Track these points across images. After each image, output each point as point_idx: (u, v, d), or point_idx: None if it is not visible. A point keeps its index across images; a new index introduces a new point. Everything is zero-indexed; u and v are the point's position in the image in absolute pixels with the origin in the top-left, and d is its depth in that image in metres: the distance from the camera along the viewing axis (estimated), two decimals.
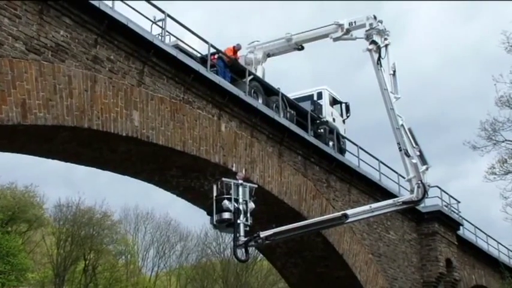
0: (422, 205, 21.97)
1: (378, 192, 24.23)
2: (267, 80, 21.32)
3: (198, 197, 19.34)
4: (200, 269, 54.03)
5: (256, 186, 15.76)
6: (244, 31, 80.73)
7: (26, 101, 12.63)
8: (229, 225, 15.28)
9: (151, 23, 16.83)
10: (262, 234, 15.84)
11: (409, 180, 18.71)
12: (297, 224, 16.79)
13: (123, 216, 53.30)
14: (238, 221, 14.99)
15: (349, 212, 17.73)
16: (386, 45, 19.24)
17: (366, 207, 18.27)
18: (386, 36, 19.54)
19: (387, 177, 25.51)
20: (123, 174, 18.77)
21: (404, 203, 18.71)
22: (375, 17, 19.68)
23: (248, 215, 15.26)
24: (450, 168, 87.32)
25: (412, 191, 18.52)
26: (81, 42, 13.93)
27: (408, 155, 18.58)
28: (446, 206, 28.48)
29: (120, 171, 18.41)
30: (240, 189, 15.23)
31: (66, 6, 13.56)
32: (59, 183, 64.55)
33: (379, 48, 19.34)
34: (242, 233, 14.98)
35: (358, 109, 57.18)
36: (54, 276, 46.05)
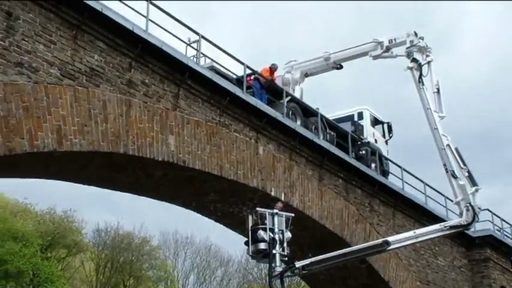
0: (472, 229, 20.99)
1: (424, 216, 23.34)
2: (306, 100, 20.83)
3: (237, 222, 18.87)
4: None
5: (292, 215, 15.32)
6: (284, 45, 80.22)
7: (61, 127, 12.49)
8: (265, 256, 14.96)
9: (185, 45, 16.58)
10: (298, 264, 15.36)
11: (458, 203, 17.92)
12: (335, 252, 16.14)
13: (162, 241, 53.12)
14: (274, 251, 14.70)
15: (390, 238, 16.99)
16: (428, 62, 18.60)
17: (410, 233, 17.50)
18: (428, 53, 18.92)
19: (434, 200, 24.64)
20: (159, 200, 18.48)
21: (452, 227, 17.86)
22: (415, 34, 19.10)
23: (285, 244, 14.90)
24: (508, 187, 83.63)
25: (461, 215, 17.75)
26: (115, 66, 13.76)
27: (455, 177, 17.82)
28: (499, 230, 27.26)
29: (157, 197, 18.14)
30: (276, 218, 14.92)
31: (99, 31, 13.45)
32: (98, 207, 64.89)
33: (420, 66, 18.72)
34: (278, 263, 14.65)
35: (402, 127, 55.86)
36: None
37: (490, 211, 26.90)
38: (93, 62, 13.26)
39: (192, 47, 16.64)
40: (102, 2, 13.36)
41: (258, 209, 15.38)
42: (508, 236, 27.94)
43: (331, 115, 22.12)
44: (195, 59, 16.31)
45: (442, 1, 73.95)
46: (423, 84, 18.42)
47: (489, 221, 26.73)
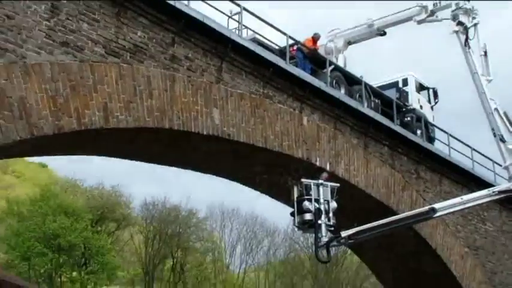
0: None
1: (471, 181, 22.97)
2: (349, 68, 20.60)
3: (283, 193, 18.83)
4: (289, 265, 53.77)
5: (338, 185, 15.30)
6: (329, 14, 79.24)
7: (108, 104, 12.63)
8: (311, 226, 15.02)
9: (227, 17, 16.52)
10: (344, 233, 15.35)
11: (506, 168, 17.70)
12: (381, 221, 16.04)
13: (209, 213, 53.88)
14: (320, 222, 14.72)
15: (437, 205, 16.74)
16: (475, 25, 18.14)
17: (457, 200, 17.25)
18: (474, 16, 18.45)
19: (481, 165, 24.20)
20: (206, 173, 18.67)
21: (500, 192, 17.53)
22: None
23: (331, 214, 14.93)
24: None
25: (510, 179, 17.48)
26: (158, 42, 13.81)
27: (504, 141, 17.53)
28: None
29: (203, 170, 18.32)
30: (321, 189, 14.94)
31: (142, 7, 13.48)
32: (145, 181, 66.09)
33: (466, 29, 18.28)
34: (324, 233, 14.69)
35: (448, 92, 54.77)
36: (143, 274, 47.10)
37: None
38: (137, 38, 13.33)
39: (234, 19, 16.57)
40: None
41: (303, 179, 15.42)
42: None
43: (375, 82, 21.84)
44: (237, 31, 16.26)
45: None
46: (470, 48, 18.04)
47: None
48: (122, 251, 48.37)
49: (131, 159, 17.11)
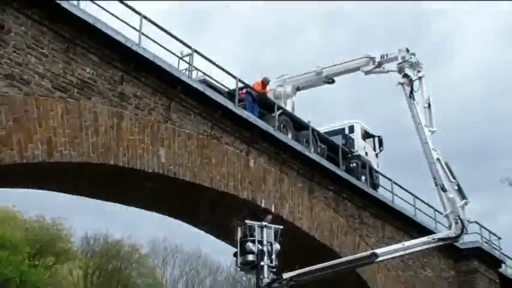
0: (460, 241, 21.08)
1: (413, 228, 23.41)
2: (297, 113, 20.88)
3: (227, 233, 18.74)
4: None
5: (281, 227, 15.43)
6: (277, 59, 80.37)
7: (52, 138, 12.47)
8: (254, 267, 15.10)
9: (178, 58, 16.61)
10: (286, 275, 15.48)
11: (447, 216, 18.11)
12: (323, 264, 16.24)
13: (151, 248, 52.92)
14: (262, 263, 14.86)
15: (379, 251, 17.11)
16: (420, 78, 18.74)
17: (399, 245, 17.65)
18: (419, 69, 19.06)
19: (423, 212, 24.69)
20: (149, 210, 18.48)
21: (440, 239, 18.02)
22: (407, 50, 19.21)
23: (273, 256, 15.05)
24: (499, 200, 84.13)
25: (450, 227, 17.88)
26: (107, 79, 13.77)
27: (445, 190, 17.98)
28: (487, 243, 27.38)
29: (147, 208, 18.14)
30: (265, 231, 15.10)
31: (92, 44, 13.47)
32: (88, 214, 64.51)
33: (411, 82, 18.87)
34: (266, 274, 14.80)
35: (393, 140, 56.02)
36: None
37: (479, 223, 27.05)
38: (85, 74, 13.25)
39: (185, 61, 16.65)
40: (95, 16, 13.38)
41: (247, 221, 15.52)
42: (495, 248, 28.08)
43: (322, 128, 22.16)
44: (187, 73, 16.35)
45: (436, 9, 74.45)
46: (414, 99, 18.57)
47: (477, 233, 26.84)
48: (60, 286, 46.83)
49: (74, 194, 16.81)
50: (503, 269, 28.62)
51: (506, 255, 29.39)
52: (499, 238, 28.71)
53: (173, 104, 15.30)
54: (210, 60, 16.67)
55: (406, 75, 18.66)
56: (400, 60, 19.21)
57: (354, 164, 21.89)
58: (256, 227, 15.38)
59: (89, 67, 13.35)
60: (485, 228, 27.90)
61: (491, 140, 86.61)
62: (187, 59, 16.51)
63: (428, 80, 19.00)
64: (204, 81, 16.90)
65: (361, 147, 23.10)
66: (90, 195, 16.80)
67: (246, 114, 17.32)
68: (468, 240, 24.94)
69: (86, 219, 65.14)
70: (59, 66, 12.74)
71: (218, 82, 17.82)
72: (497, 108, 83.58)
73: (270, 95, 20.31)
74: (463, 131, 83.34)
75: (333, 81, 22.07)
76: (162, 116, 14.99)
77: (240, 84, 17.85)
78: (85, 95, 13.19)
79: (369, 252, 17.37)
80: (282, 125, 19.06)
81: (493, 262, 27.03)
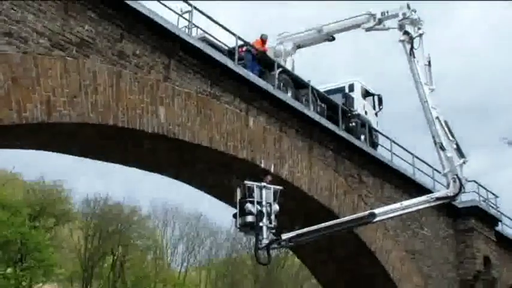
0: (458, 200, 21.20)
1: (412, 187, 23.51)
2: (297, 72, 20.78)
3: (226, 194, 18.88)
4: (230, 265, 53.75)
5: (281, 188, 15.49)
6: (278, 16, 79.22)
7: (51, 98, 12.35)
8: (253, 228, 15.21)
9: (177, 16, 16.40)
10: (285, 236, 15.62)
11: (445, 175, 18.25)
12: (321, 224, 16.35)
13: (151, 210, 53.28)
14: (261, 224, 15.01)
15: (377, 210, 17.22)
16: (420, 35, 18.63)
17: (397, 205, 17.76)
18: (419, 26, 18.94)
19: (422, 171, 24.77)
20: (149, 171, 18.48)
21: (438, 199, 18.15)
22: (408, 7, 19.04)
23: (272, 217, 15.17)
24: (498, 159, 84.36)
25: (448, 186, 18.00)
26: (106, 37, 13.59)
27: (443, 149, 18.05)
28: (484, 201, 27.58)
29: (146, 168, 18.13)
30: (264, 191, 15.17)
31: (91, 0, 13.22)
32: (89, 176, 64.86)
33: (411, 39, 18.76)
34: (265, 235, 14.94)
35: (393, 98, 55.84)
36: (82, 271, 46.17)
37: (477, 182, 27.19)
38: (84, 32, 13.07)
39: (184, 18, 16.47)
40: None
41: (246, 182, 15.59)
42: (492, 207, 28.29)
43: (322, 87, 22.09)
44: (186, 30, 16.17)
45: None
46: (414, 57, 18.49)
47: (475, 192, 26.99)
48: (61, 247, 47.25)
49: (73, 155, 16.76)
50: (499, 227, 28.92)
51: (503, 214, 29.67)
52: (496, 197, 28.90)
53: (172, 62, 15.16)
54: (209, 17, 16.45)
55: (406, 33, 18.55)
56: (400, 17, 19.07)
57: (354, 123, 21.88)
58: (255, 188, 15.46)
59: (88, 24, 13.16)
60: (483, 187, 28.05)
61: (492, 98, 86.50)
62: (186, 16, 16.33)
63: (429, 36, 18.90)
64: (203, 39, 16.76)
65: (361, 106, 23.05)
66: (89, 155, 16.78)
67: (245, 72, 17.19)
68: (466, 199, 25.14)
69: (87, 182, 65.64)
70: (57, 24, 12.55)
71: (218, 40, 17.67)
72: (498, 63, 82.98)
73: (269, 53, 20.18)
74: (463, 89, 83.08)
75: (334, 39, 21.92)
76: (161, 74, 14.86)
77: (240, 42, 17.68)
78: (84, 53, 13.03)
79: (367, 212, 17.48)
80: (281, 84, 18.96)
81: (490, 221, 27.23)
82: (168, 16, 15.34)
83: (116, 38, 13.78)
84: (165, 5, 15.46)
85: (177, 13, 16.32)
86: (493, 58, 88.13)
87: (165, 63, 14.96)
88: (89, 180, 65.99)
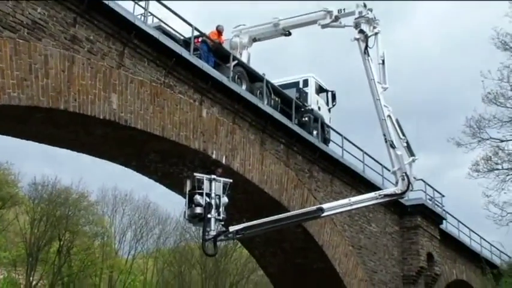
0: (405, 198, 21.70)
1: (361, 184, 23.91)
2: (253, 65, 20.79)
3: (177, 183, 18.87)
4: (178, 254, 53.54)
5: (230, 181, 15.61)
6: (235, 9, 79.06)
7: (0, 80, 12.02)
8: (201, 220, 15.29)
9: (133, 2, 16.18)
10: (232, 228, 15.77)
11: (394, 173, 18.59)
12: (270, 218, 16.53)
13: (100, 196, 52.48)
14: (209, 216, 15.09)
15: (325, 206, 17.50)
16: (376, 34, 18.90)
17: (345, 201, 18.07)
18: (375, 25, 19.21)
19: (371, 168, 25.21)
20: (99, 158, 18.27)
21: (386, 196, 18.55)
22: (364, 5, 19.29)
23: (221, 209, 15.27)
24: (449, 157, 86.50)
25: (396, 184, 18.36)
26: (59, 20, 13.30)
27: (394, 147, 18.39)
28: (430, 200, 28.31)
29: (97, 155, 17.92)
30: (214, 184, 15.26)
31: None
32: (37, 160, 63.47)
33: (366, 37, 19.02)
34: (213, 227, 15.05)
35: (348, 94, 56.59)
36: (27, 255, 45.24)
37: (424, 181, 27.87)
38: (36, 14, 12.76)
39: (140, 6, 16.27)
40: None
41: (195, 174, 15.62)
42: (438, 205, 29.06)
43: (277, 81, 22.18)
44: (142, 18, 15.98)
45: None
46: (368, 55, 18.77)
47: (422, 190, 27.70)
48: (6, 231, 46.18)
49: (22, 139, 16.43)
50: (443, 225, 29.78)
51: (447, 212, 30.55)
52: (443, 196, 29.73)
53: (127, 50, 14.97)
54: (166, 6, 16.30)
55: (361, 31, 18.79)
56: (357, 15, 19.29)
57: (306, 118, 22.09)
58: (205, 180, 15.53)
59: (40, 7, 12.85)
60: (430, 186, 28.82)
61: (444, 99, 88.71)
62: (143, 4, 16.14)
63: (384, 37, 19.19)
64: (159, 28, 16.59)
65: (315, 101, 23.25)
66: (39, 140, 16.47)
67: (200, 63, 17.13)
68: (413, 197, 25.75)
69: (35, 165, 64.21)
70: (9, 5, 12.21)
71: (174, 30, 17.52)
72: (452, 66, 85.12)
73: (225, 45, 20.14)
74: (416, 90, 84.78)
75: (290, 34, 22.01)
76: (115, 61, 14.65)
77: (196, 33, 17.60)
78: (35, 36, 12.74)
79: (315, 207, 17.74)
80: (236, 76, 18.97)
81: (435, 219, 28.02)
82: (124, 3, 15.14)
83: (69, 23, 13.52)
84: None
85: (133, 0, 16.10)
86: (445, 61, 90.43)
87: (119, 50, 14.77)
88: (37, 164, 64.56)
